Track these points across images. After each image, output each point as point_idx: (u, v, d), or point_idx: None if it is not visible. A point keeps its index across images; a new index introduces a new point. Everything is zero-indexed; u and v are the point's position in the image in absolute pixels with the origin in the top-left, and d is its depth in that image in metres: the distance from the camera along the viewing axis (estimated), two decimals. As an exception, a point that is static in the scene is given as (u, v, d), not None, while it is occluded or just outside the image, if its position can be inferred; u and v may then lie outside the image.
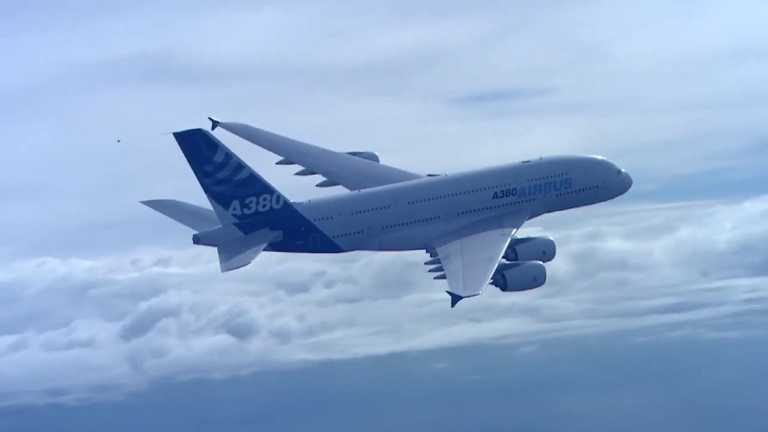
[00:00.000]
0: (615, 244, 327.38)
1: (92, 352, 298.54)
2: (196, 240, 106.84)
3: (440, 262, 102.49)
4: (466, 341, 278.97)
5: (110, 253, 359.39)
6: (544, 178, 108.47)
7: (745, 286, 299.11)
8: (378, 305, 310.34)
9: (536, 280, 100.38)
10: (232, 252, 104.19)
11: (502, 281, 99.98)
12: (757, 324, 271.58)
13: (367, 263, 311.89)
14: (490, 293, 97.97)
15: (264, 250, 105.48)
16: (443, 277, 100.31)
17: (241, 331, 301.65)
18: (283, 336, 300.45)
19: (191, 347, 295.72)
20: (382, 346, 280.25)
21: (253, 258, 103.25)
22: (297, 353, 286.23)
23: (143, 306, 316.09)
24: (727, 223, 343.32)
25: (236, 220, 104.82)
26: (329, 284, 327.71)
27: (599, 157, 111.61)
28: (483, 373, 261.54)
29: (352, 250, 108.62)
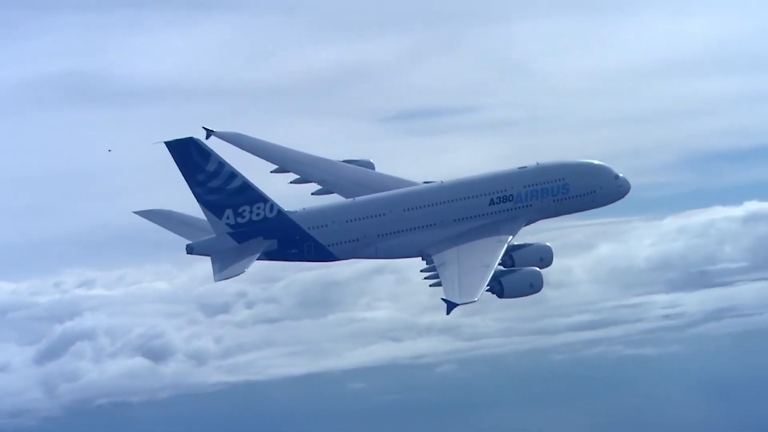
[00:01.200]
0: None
1: (5, 377, 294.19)
2: (189, 250, 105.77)
3: (436, 270, 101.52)
4: (384, 361, 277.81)
5: (34, 275, 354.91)
6: (540, 184, 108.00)
7: (662, 302, 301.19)
8: (299, 325, 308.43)
9: (533, 286, 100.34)
10: (225, 262, 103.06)
11: (498, 288, 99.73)
12: (672, 340, 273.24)
13: (289, 283, 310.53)
14: (486, 300, 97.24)
15: (258, 259, 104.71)
16: (439, 284, 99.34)
17: (156, 353, 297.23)
18: (199, 358, 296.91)
19: (106, 371, 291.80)
20: (300, 366, 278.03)
21: (246, 267, 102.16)
22: (213, 375, 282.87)
23: (58, 329, 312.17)
24: (647, 240, 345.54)
25: (230, 230, 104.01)
26: (250, 305, 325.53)
27: (597, 162, 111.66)
28: (401, 392, 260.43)
29: (348, 258, 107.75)
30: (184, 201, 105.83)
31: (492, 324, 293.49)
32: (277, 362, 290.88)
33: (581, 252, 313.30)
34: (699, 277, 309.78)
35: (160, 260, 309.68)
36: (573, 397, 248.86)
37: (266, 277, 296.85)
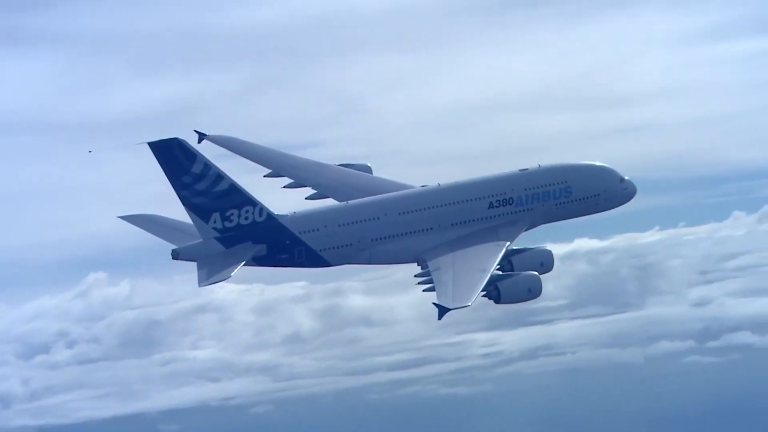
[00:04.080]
0: (357, 301, 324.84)
1: None
2: (175, 255, 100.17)
3: (430, 275, 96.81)
4: (198, 402, 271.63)
5: None
6: (542, 187, 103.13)
7: (482, 340, 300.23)
8: (117, 366, 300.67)
9: (531, 291, 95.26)
10: (211, 267, 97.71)
11: (495, 293, 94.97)
12: (486, 379, 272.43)
13: (111, 322, 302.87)
14: (482, 304, 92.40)
15: (247, 264, 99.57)
16: (432, 289, 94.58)
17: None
18: (3, 401, 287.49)
19: None
20: (110, 409, 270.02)
21: (232, 273, 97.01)
22: (17, 419, 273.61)
23: None
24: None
25: (217, 234, 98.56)
26: (71, 344, 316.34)
27: (601, 164, 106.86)
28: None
29: (341, 264, 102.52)
30: (168, 205, 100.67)
31: (311, 363, 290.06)
32: (86, 405, 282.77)
33: (404, 290, 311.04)
34: (519, 316, 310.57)
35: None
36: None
37: (91, 315, 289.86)
